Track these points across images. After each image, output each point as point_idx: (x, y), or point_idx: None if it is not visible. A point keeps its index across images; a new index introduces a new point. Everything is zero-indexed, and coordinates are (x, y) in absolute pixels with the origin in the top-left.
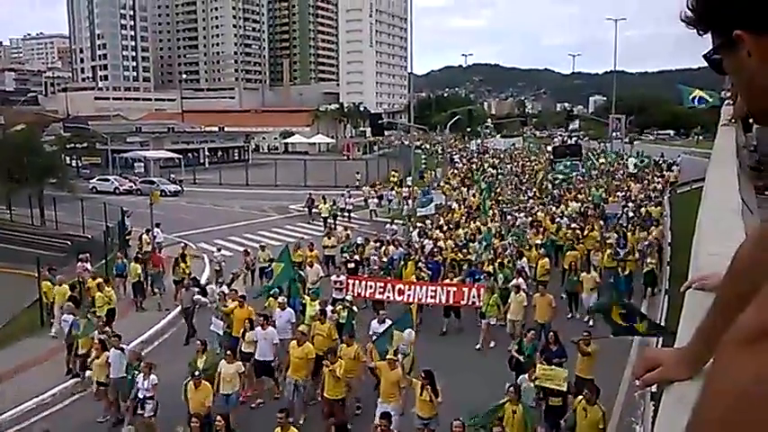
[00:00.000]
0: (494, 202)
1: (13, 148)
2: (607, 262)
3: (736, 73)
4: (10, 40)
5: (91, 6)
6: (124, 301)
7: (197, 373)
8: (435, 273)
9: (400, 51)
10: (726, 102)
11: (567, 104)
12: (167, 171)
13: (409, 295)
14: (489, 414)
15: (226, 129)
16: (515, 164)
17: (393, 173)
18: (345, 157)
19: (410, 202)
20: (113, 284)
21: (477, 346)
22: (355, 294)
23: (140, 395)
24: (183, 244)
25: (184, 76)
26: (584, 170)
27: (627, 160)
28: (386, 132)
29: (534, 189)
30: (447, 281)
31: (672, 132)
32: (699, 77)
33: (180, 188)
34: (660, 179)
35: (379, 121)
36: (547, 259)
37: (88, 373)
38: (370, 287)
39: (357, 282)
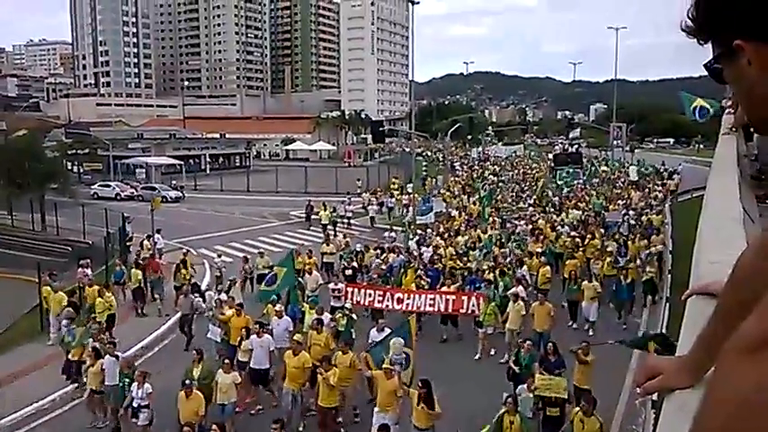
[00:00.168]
0: (494, 209)
1: (14, 153)
2: (607, 270)
3: (736, 82)
4: (13, 46)
5: (93, 13)
6: (124, 306)
7: (188, 381)
8: (434, 280)
9: (401, 59)
10: (726, 111)
11: (567, 112)
12: (169, 177)
13: (408, 304)
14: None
15: (227, 135)
16: (516, 171)
17: (394, 180)
18: (346, 164)
19: (410, 209)
20: (113, 290)
21: (477, 356)
22: (354, 302)
23: (135, 404)
24: (184, 250)
25: (186, 82)
26: (584, 178)
27: (628, 168)
28: (387, 139)
29: (534, 197)
30: (445, 288)
31: (671, 141)
32: (699, 86)
33: (181, 194)
34: (661, 188)
35: (381, 129)
36: (548, 267)
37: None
38: (369, 295)
39: (356, 290)
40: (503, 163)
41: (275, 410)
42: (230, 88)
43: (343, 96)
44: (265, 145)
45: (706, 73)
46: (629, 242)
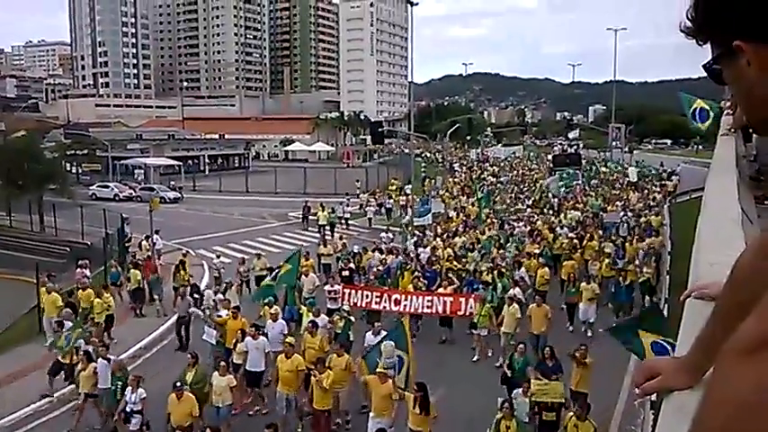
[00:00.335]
0: (491, 211)
1: (13, 154)
2: (605, 272)
3: (735, 83)
4: (12, 46)
5: (92, 14)
6: (121, 307)
7: (179, 384)
8: (432, 282)
9: (401, 60)
10: (725, 112)
11: (566, 113)
12: (167, 178)
13: (405, 305)
14: None
15: (226, 136)
16: (515, 173)
17: (393, 181)
18: (345, 165)
19: (408, 210)
20: (111, 291)
21: (475, 358)
22: (351, 304)
23: (128, 409)
24: (183, 251)
25: (185, 83)
26: (584, 179)
27: (627, 169)
28: (386, 140)
29: (533, 198)
30: (442, 290)
31: (669, 142)
32: (698, 87)
33: (180, 195)
34: (661, 189)
35: (380, 130)
36: (547, 269)
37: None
38: (366, 297)
39: (353, 291)
40: (502, 164)
41: (268, 414)
42: (229, 89)
43: (342, 97)
44: (264, 146)
45: (705, 74)
46: (627, 243)
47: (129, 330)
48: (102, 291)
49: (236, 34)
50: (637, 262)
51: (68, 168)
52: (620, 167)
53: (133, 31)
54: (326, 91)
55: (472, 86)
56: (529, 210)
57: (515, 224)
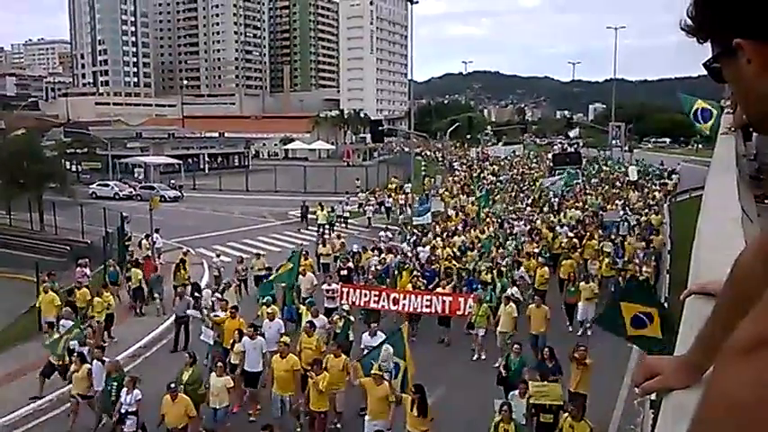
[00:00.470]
0: (490, 210)
1: (13, 152)
2: (605, 271)
3: (735, 81)
4: (11, 45)
5: (92, 12)
6: (119, 307)
7: (172, 385)
8: (430, 281)
9: (400, 58)
10: (725, 110)
11: (566, 112)
12: (167, 177)
13: (404, 304)
14: None
15: (226, 135)
16: (515, 171)
17: (393, 179)
18: (345, 164)
19: (407, 208)
20: (110, 290)
21: (475, 357)
22: (350, 303)
23: (123, 410)
24: (184, 250)
25: (185, 81)
26: (584, 178)
27: (627, 168)
28: (386, 139)
29: (532, 197)
30: (440, 289)
31: (668, 140)
32: (698, 86)
33: (180, 194)
34: (662, 187)
35: (380, 128)
36: (546, 268)
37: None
38: (365, 296)
39: (351, 290)
40: (502, 163)
41: (264, 415)
42: (229, 87)
43: (342, 95)
44: (264, 144)
45: (705, 72)
46: (626, 242)
47: (128, 329)
48: (102, 290)
49: (235, 32)
50: (636, 261)
51: (68, 167)
52: (621, 167)
53: (133, 29)
54: (326, 89)
55: (472, 85)
56: (528, 209)
57: (515, 223)
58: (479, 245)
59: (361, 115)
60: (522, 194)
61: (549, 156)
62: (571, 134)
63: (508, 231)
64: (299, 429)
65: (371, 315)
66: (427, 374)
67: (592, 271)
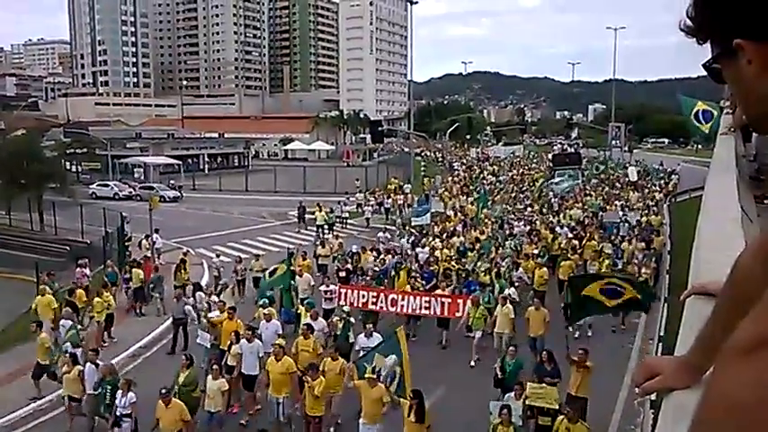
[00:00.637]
0: (489, 210)
1: (13, 152)
2: (605, 273)
3: (735, 82)
4: (11, 45)
5: (92, 12)
6: (117, 308)
7: (164, 390)
8: (428, 282)
9: (400, 59)
10: (725, 111)
11: (566, 112)
12: (167, 177)
13: (403, 306)
14: None
15: (225, 135)
16: (515, 172)
17: (392, 180)
18: (345, 164)
19: (406, 209)
20: (110, 291)
21: (472, 363)
22: (348, 304)
23: (117, 413)
24: (184, 250)
25: (185, 82)
26: (584, 179)
27: (627, 169)
28: (386, 139)
29: (532, 197)
30: (439, 291)
31: (666, 141)
32: (698, 86)
33: (179, 194)
34: (663, 188)
35: (379, 128)
36: (545, 269)
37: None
38: (363, 297)
39: (349, 291)
40: (502, 163)
41: (260, 417)
42: (229, 88)
43: (341, 96)
44: (264, 145)
45: (705, 73)
46: (626, 243)
47: (128, 329)
48: (102, 290)
49: (235, 33)
50: (636, 262)
51: (68, 167)
52: (614, 165)
53: (133, 29)
54: (326, 90)
55: (472, 85)
56: (529, 209)
57: (515, 224)
58: (479, 245)
59: (361, 116)
60: (521, 195)
61: (549, 156)
62: (573, 135)
63: (507, 232)
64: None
65: (370, 316)
66: (426, 376)
67: (591, 272)
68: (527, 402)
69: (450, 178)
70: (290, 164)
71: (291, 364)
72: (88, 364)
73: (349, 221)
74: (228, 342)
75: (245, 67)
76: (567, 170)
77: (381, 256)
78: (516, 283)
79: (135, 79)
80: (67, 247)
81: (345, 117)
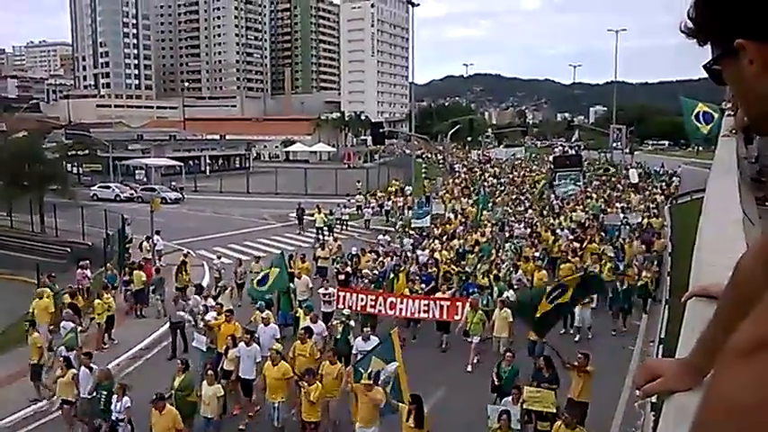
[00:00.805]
0: (489, 212)
1: (14, 154)
2: (607, 276)
3: (736, 83)
4: (13, 47)
5: (93, 14)
6: (118, 309)
7: (155, 397)
8: (427, 285)
9: (401, 61)
10: (726, 113)
11: (567, 114)
12: (168, 178)
13: (401, 309)
14: None
15: (227, 137)
16: (516, 174)
17: (394, 182)
18: (346, 166)
19: (406, 211)
20: (110, 293)
21: (469, 369)
22: (347, 307)
23: (113, 417)
24: (185, 251)
25: (186, 83)
26: (585, 181)
27: (628, 171)
28: (387, 141)
29: (532, 199)
30: (439, 294)
31: (667, 143)
32: (699, 88)
33: (181, 196)
34: (664, 190)
35: (381, 130)
36: (544, 272)
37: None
38: (362, 300)
39: (348, 294)
40: (503, 165)
41: (258, 421)
42: (230, 90)
43: (342, 98)
44: (265, 146)
45: (705, 75)
46: (626, 246)
47: (129, 331)
48: (103, 291)
49: (237, 35)
50: (636, 264)
51: (69, 169)
52: (615, 168)
53: (134, 31)
54: (327, 92)
55: (473, 87)
56: (529, 212)
57: (515, 226)
58: (479, 248)
59: (362, 117)
60: (522, 197)
61: (550, 158)
62: (574, 138)
63: (508, 234)
64: None
65: (369, 319)
66: (426, 378)
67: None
68: (524, 407)
69: (451, 180)
70: (292, 166)
71: (288, 369)
72: (82, 367)
73: (349, 223)
74: (225, 345)
75: (246, 68)
76: (568, 173)
77: (380, 259)
78: (516, 286)
79: (136, 81)
80: (68, 249)
81: (347, 119)
